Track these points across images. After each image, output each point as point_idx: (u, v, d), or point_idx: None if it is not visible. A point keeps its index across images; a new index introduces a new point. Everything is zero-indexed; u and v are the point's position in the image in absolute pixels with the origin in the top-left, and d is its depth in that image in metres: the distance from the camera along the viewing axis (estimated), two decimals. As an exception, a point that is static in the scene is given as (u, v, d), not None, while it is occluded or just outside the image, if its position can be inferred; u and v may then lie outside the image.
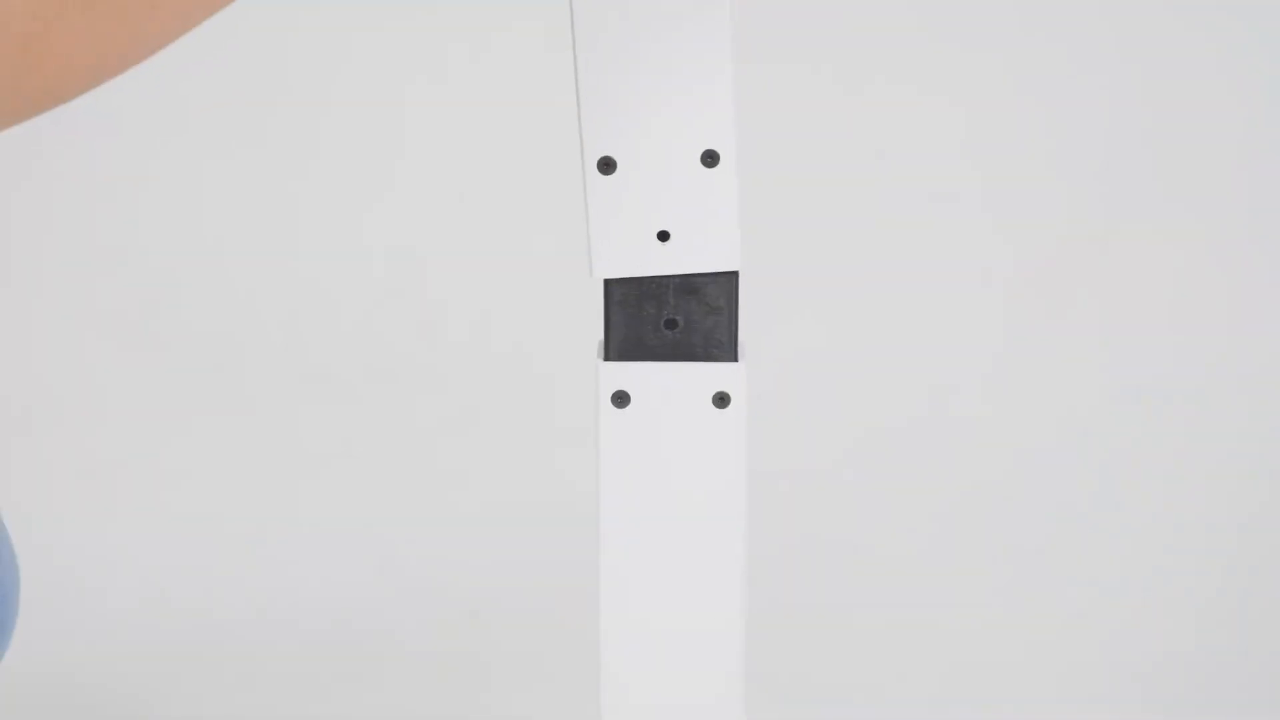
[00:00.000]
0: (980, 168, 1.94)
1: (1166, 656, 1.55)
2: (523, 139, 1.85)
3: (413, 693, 1.50)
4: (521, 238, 1.87)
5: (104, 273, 1.88)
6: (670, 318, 0.80)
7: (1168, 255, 1.90)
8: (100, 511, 1.75)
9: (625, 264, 0.79)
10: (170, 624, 1.59)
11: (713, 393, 0.80)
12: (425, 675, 1.52)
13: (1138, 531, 1.72)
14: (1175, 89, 1.91)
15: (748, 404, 0.80)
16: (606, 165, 0.78)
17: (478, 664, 1.54)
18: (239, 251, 1.89)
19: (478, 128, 1.91)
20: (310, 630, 1.59)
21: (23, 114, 0.60)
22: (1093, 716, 1.49)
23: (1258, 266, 1.90)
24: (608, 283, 0.80)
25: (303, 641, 1.57)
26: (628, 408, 0.80)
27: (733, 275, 0.79)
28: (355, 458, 1.81)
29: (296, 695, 1.49)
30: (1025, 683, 1.52)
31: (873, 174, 1.93)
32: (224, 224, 1.90)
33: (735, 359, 0.80)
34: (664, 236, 0.79)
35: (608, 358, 0.80)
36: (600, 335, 0.80)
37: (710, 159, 0.78)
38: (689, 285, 0.80)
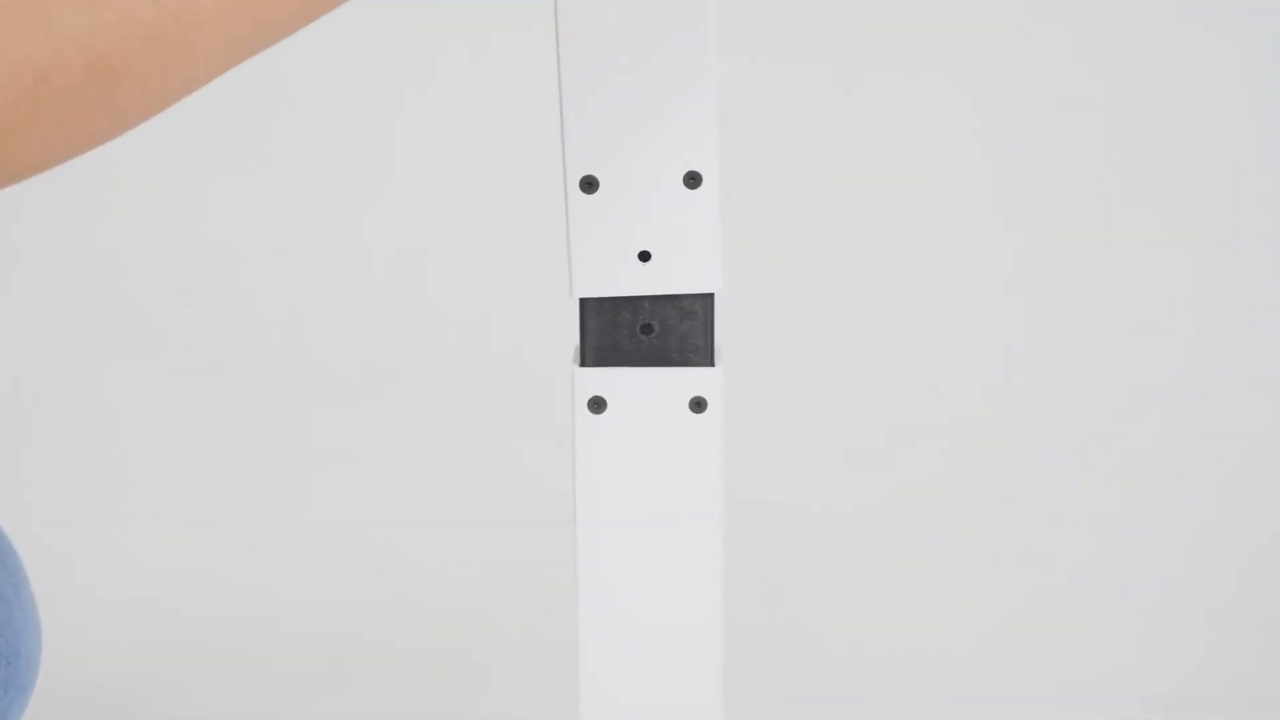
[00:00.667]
0: (985, 168, 1.94)
1: (1171, 658, 1.55)
2: (521, 140, 1.85)
3: (410, 694, 1.50)
4: (520, 239, 1.87)
5: (102, 275, 1.88)
6: (646, 323, 0.80)
7: (1174, 255, 1.90)
8: (97, 512, 1.75)
9: (605, 284, 0.79)
10: (166, 624, 1.59)
11: (689, 398, 0.80)
12: (423, 677, 1.52)
13: (1140, 532, 1.72)
14: (1182, 88, 1.91)
15: (724, 409, 0.80)
16: (589, 184, 0.78)
17: (475, 665, 1.54)
18: (237, 253, 1.89)
19: (475, 130, 1.91)
20: (307, 631, 1.59)
21: None
22: (1096, 718, 1.49)
23: (1267, 266, 1.90)
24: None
25: (300, 642, 1.57)
26: (604, 413, 0.80)
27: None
28: (353, 459, 1.81)
29: (293, 696, 1.49)
30: (1030, 685, 1.52)
31: (873, 175, 1.93)
32: (221, 225, 1.90)
33: (712, 364, 0.80)
34: (645, 256, 0.79)
35: (584, 363, 0.80)
36: (577, 341, 0.81)
37: (693, 180, 0.78)
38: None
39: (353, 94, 1.90)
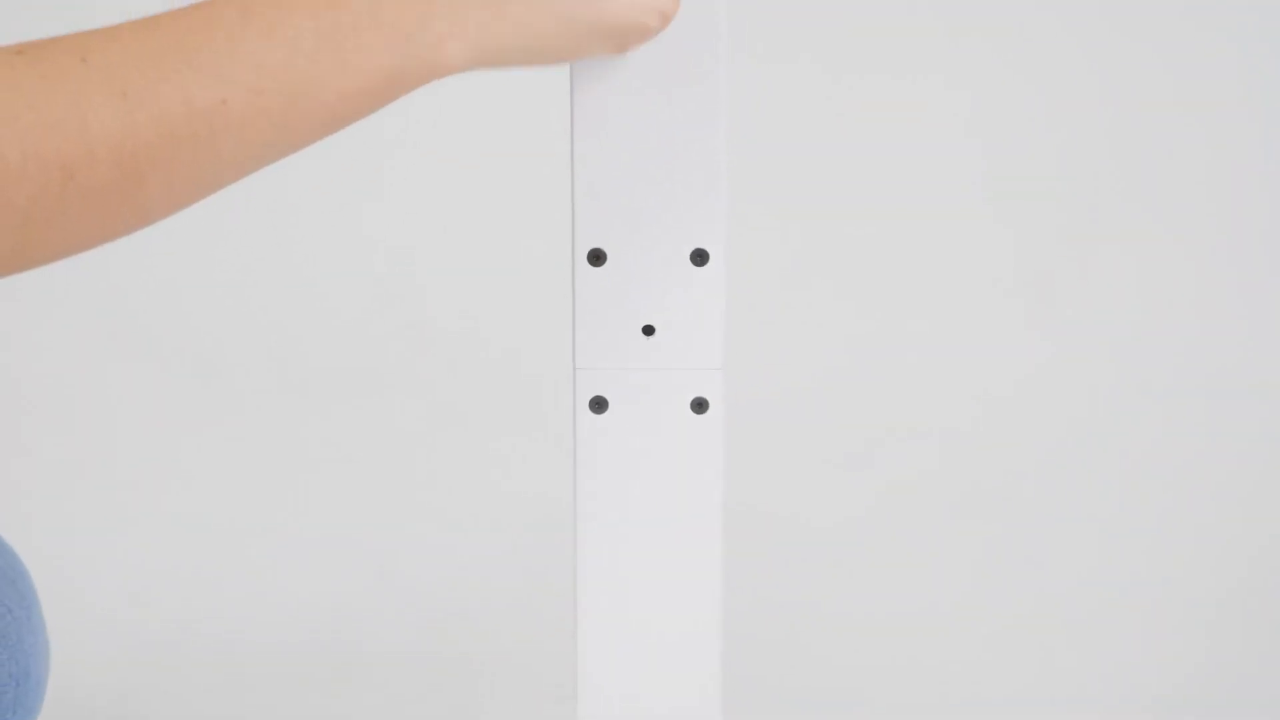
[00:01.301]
0: (981, 170, 1.94)
1: (1171, 658, 1.55)
2: (516, 144, 1.85)
3: (405, 697, 1.50)
4: (513, 243, 1.87)
5: (95, 280, 1.88)
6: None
7: (1170, 256, 1.90)
8: (90, 514, 1.75)
9: (608, 357, 0.79)
10: (157, 627, 1.59)
11: (691, 398, 0.80)
12: (419, 679, 1.52)
13: (1139, 533, 1.72)
14: (1180, 88, 1.91)
15: (726, 409, 0.80)
16: (596, 257, 0.78)
17: (472, 668, 1.54)
18: (231, 257, 1.89)
19: (469, 133, 1.91)
20: (302, 634, 1.59)
21: None
22: (1098, 718, 1.49)
23: (1264, 267, 1.90)
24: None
25: (295, 646, 1.57)
26: (605, 413, 0.80)
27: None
28: (348, 461, 1.81)
29: (288, 700, 1.49)
30: (1030, 686, 1.52)
31: (870, 178, 1.93)
32: (215, 230, 1.90)
33: (715, 366, 0.80)
34: (649, 331, 0.79)
35: (584, 364, 0.80)
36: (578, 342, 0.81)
37: (700, 258, 0.78)
38: None
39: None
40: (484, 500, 1.76)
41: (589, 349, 0.79)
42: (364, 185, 1.93)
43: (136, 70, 0.59)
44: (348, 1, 0.65)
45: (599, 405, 0.80)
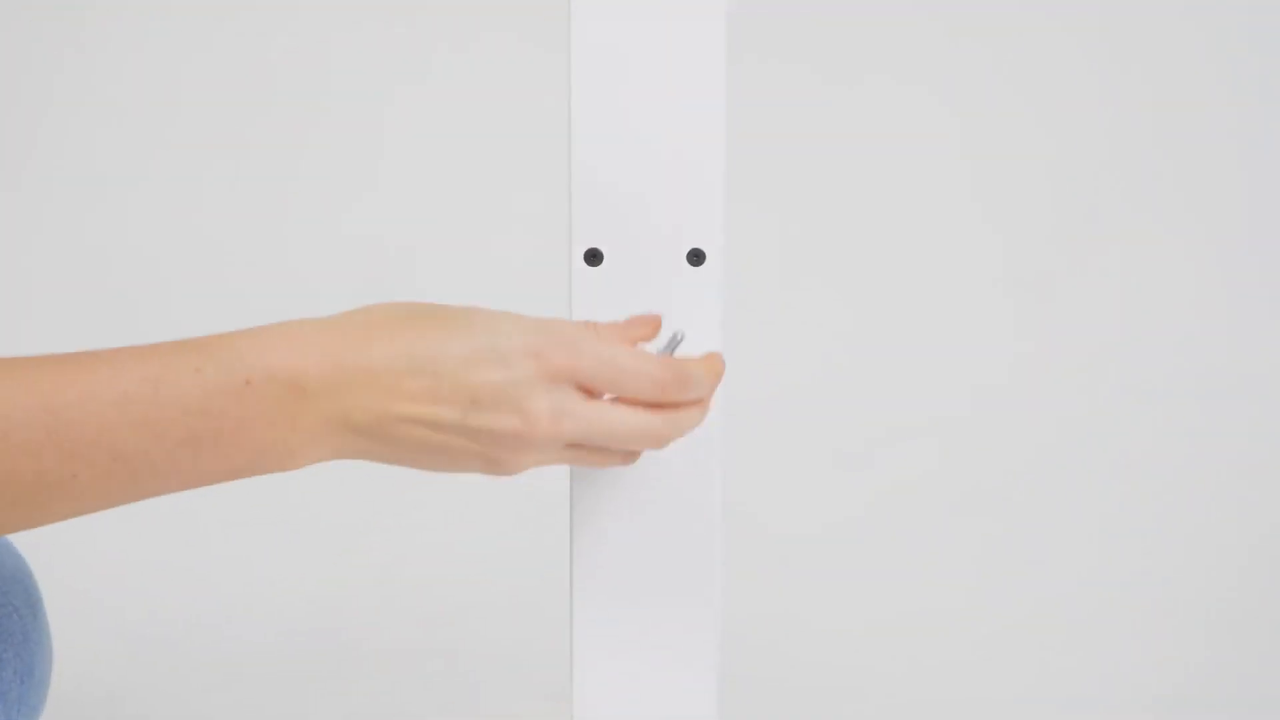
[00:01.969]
0: (976, 170, 1.93)
1: (1171, 658, 1.55)
2: (510, 138, 1.85)
3: (403, 694, 1.50)
4: (510, 241, 1.87)
5: (94, 278, 1.88)
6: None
7: (1166, 256, 1.90)
8: (92, 515, 1.74)
9: None
10: (159, 626, 1.59)
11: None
12: (417, 677, 1.52)
13: (1138, 533, 1.72)
14: (1174, 88, 1.91)
15: (723, 409, 0.80)
16: (593, 257, 0.79)
17: (469, 666, 1.54)
18: (224, 251, 1.89)
19: (463, 127, 1.91)
20: (300, 631, 1.59)
21: None
22: (1098, 718, 1.48)
23: (1258, 267, 1.89)
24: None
25: (293, 643, 1.57)
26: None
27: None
28: (345, 460, 1.80)
29: (287, 697, 1.49)
30: (1030, 686, 1.52)
31: (864, 178, 1.93)
32: (208, 223, 1.90)
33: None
34: None
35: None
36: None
37: (696, 257, 0.78)
38: None
39: (340, 91, 1.90)
40: (483, 500, 1.76)
41: None
42: (363, 185, 1.93)
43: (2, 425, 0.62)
44: (222, 410, 0.67)
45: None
